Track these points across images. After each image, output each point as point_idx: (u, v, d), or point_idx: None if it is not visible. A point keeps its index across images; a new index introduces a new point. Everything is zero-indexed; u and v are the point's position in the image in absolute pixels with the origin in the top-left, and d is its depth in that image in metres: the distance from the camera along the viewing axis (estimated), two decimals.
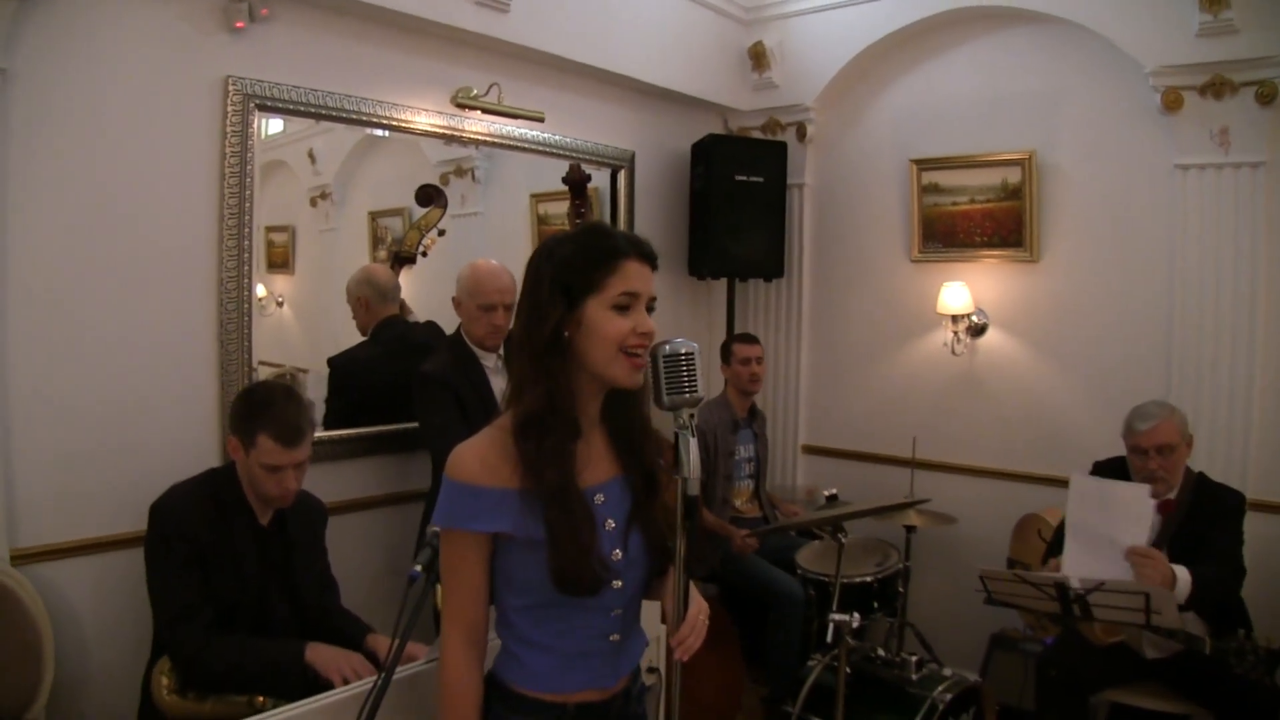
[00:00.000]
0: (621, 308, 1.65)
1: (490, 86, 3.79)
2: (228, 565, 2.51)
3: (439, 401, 3.27)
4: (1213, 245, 3.91)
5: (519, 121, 3.97)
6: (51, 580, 2.74)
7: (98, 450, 2.85)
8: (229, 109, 3.03)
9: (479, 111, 3.81)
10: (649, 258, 1.71)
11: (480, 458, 1.66)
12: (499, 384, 3.42)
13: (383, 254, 3.85)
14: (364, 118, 3.45)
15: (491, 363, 3.43)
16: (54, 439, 2.76)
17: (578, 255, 1.67)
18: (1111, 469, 3.57)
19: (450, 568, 1.71)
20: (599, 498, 1.73)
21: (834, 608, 3.29)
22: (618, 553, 1.73)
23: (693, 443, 1.66)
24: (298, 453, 2.55)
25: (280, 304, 3.59)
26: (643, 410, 1.79)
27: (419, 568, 1.95)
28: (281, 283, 3.58)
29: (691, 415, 1.67)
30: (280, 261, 3.56)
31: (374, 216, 3.90)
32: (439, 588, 2.33)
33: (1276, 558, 3.62)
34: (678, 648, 1.71)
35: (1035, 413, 4.50)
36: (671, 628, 1.72)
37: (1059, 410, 4.43)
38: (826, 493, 3.95)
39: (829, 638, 3.25)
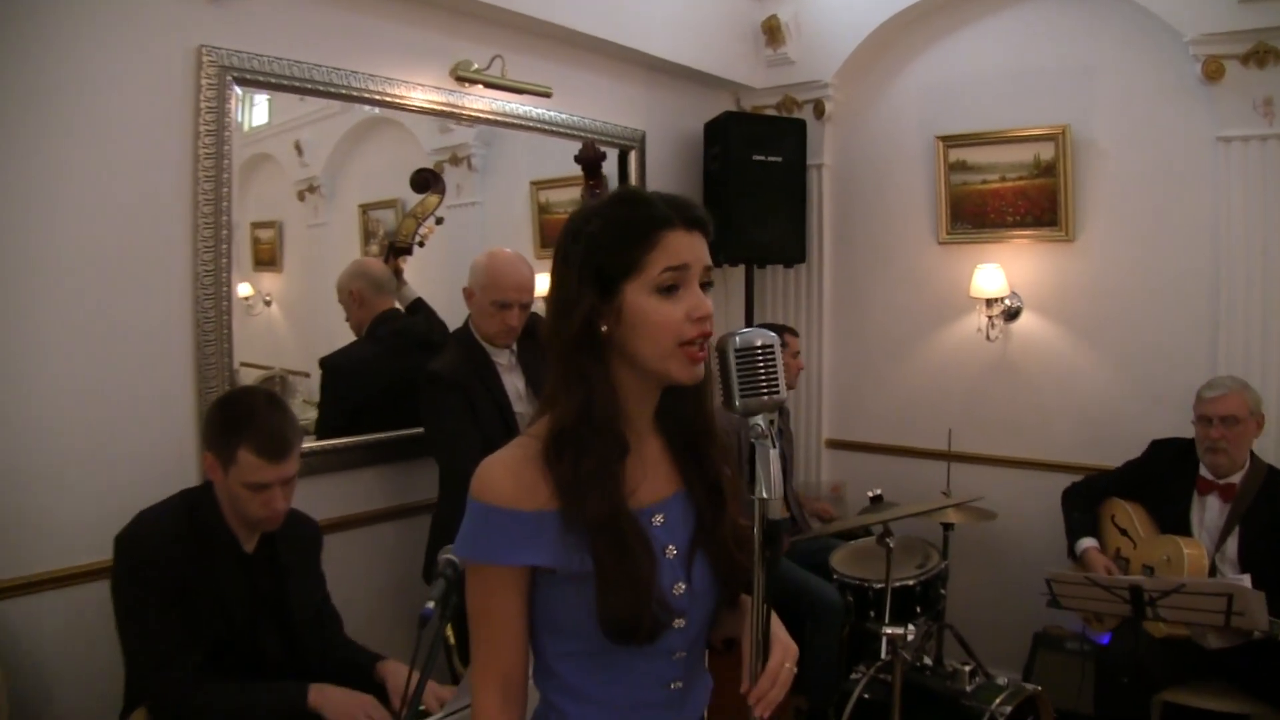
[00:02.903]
0: (668, 289, 1.36)
1: (493, 59, 3.50)
2: (210, 601, 2.21)
3: (449, 406, 3.00)
4: (1258, 220, 3.75)
5: (524, 98, 3.69)
6: (6, 619, 2.44)
7: (57, 471, 2.53)
8: (203, 82, 2.71)
9: (481, 86, 3.53)
10: (698, 223, 1.41)
11: (514, 474, 1.36)
12: (513, 382, 3.18)
13: (375, 248, 3.63)
14: (354, 93, 3.15)
15: (505, 359, 3.17)
16: (7, 458, 2.45)
17: (608, 231, 1.38)
18: (1170, 450, 3.60)
19: (480, 609, 1.41)
20: (658, 519, 1.45)
21: (886, 619, 3.04)
22: (680, 586, 1.44)
23: (773, 454, 1.36)
24: (285, 467, 2.26)
25: (268, 303, 3.37)
26: (706, 408, 1.51)
27: (432, 604, 1.71)
28: (269, 281, 3.36)
29: (771, 421, 1.38)
30: (267, 259, 3.34)
31: (365, 209, 3.68)
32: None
33: None
34: (757, 705, 1.42)
35: (1075, 399, 4.29)
36: (748, 679, 1.43)
37: (1099, 396, 4.23)
38: (871, 493, 3.72)
39: (883, 653, 3.00)
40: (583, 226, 1.41)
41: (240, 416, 2.24)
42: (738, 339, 1.37)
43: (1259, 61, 3.63)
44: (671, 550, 1.45)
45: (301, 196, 3.41)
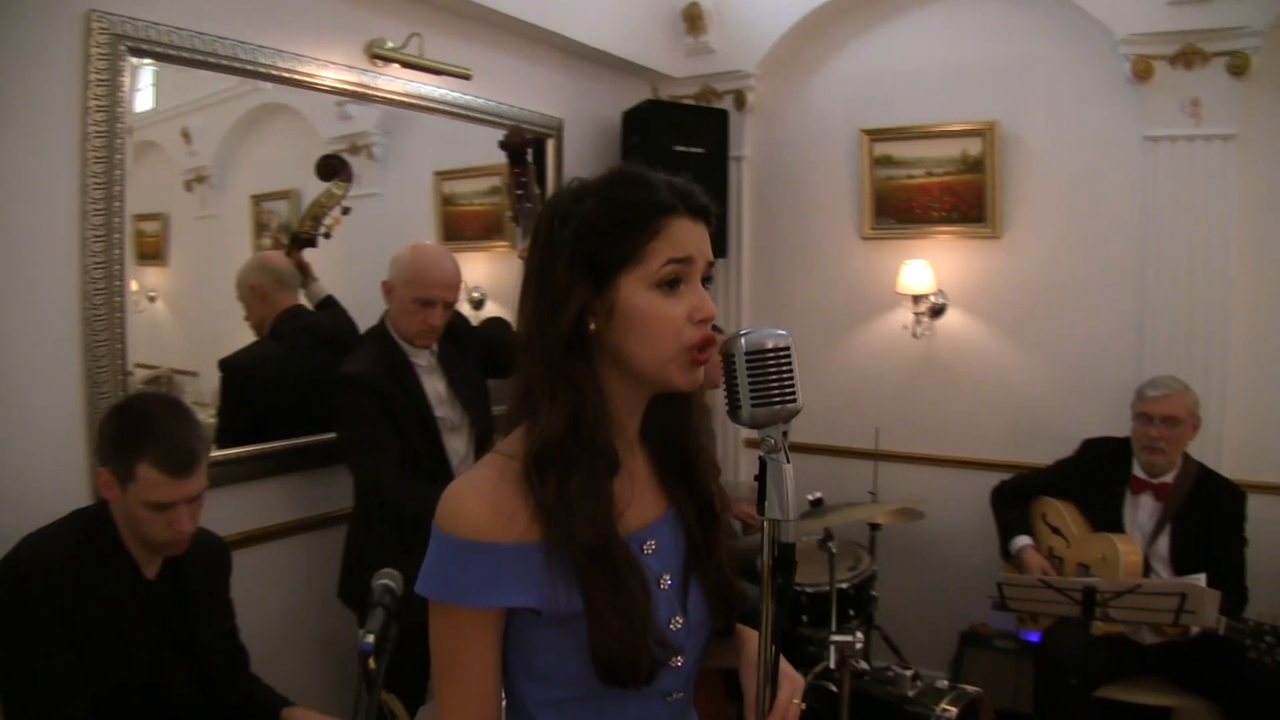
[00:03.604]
0: (669, 283, 1.20)
1: (410, 37, 3.26)
2: (107, 636, 1.95)
3: (365, 411, 2.77)
4: (1185, 220, 3.77)
5: (440, 80, 3.46)
6: None
7: None
8: (93, 52, 2.39)
9: (397, 66, 3.29)
10: (703, 211, 1.25)
11: (490, 501, 1.17)
12: (433, 384, 2.97)
13: (267, 241, 3.38)
14: (261, 70, 2.88)
15: (424, 360, 2.96)
16: None
17: (604, 213, 1.20)
18: (1103, 449, 3.60)
19: (447, 655, 1.21)
20: (649, 545, 1.28)
21: (833, 626, 2.93)
22: (678, 619, 1.28)
23: (788, 470, 1.21)
24: (191, 483, 2.01)
25: (152, 299, 3.09)
26: (695, 418, 1.35)
27: (370, 638, 1.59)
28: (154, 276, 3.09)
29: (785, 433, 1.22)
30: (152, 253, 3.07)
31: (257, 200, 3.43)
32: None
33: (1254, 536, 3.41)
34: None
35: (1002, 397, 4.27)
36: (755, 717, 1.28)
37: (1026, 394, 4.22)
38: (811, 496, 3.61)
39: (831, 662, 2.89)
40: (573, 207, 1.22)
41: (139, 427, 1.98)
42: (744, 340, 1.21)
43: (1187, 63, 3.65)
44: (666, 580, 1.29)
45: (189, 187, 3.16)
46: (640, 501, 1.29)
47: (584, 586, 1.17)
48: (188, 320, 3.17)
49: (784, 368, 1.20)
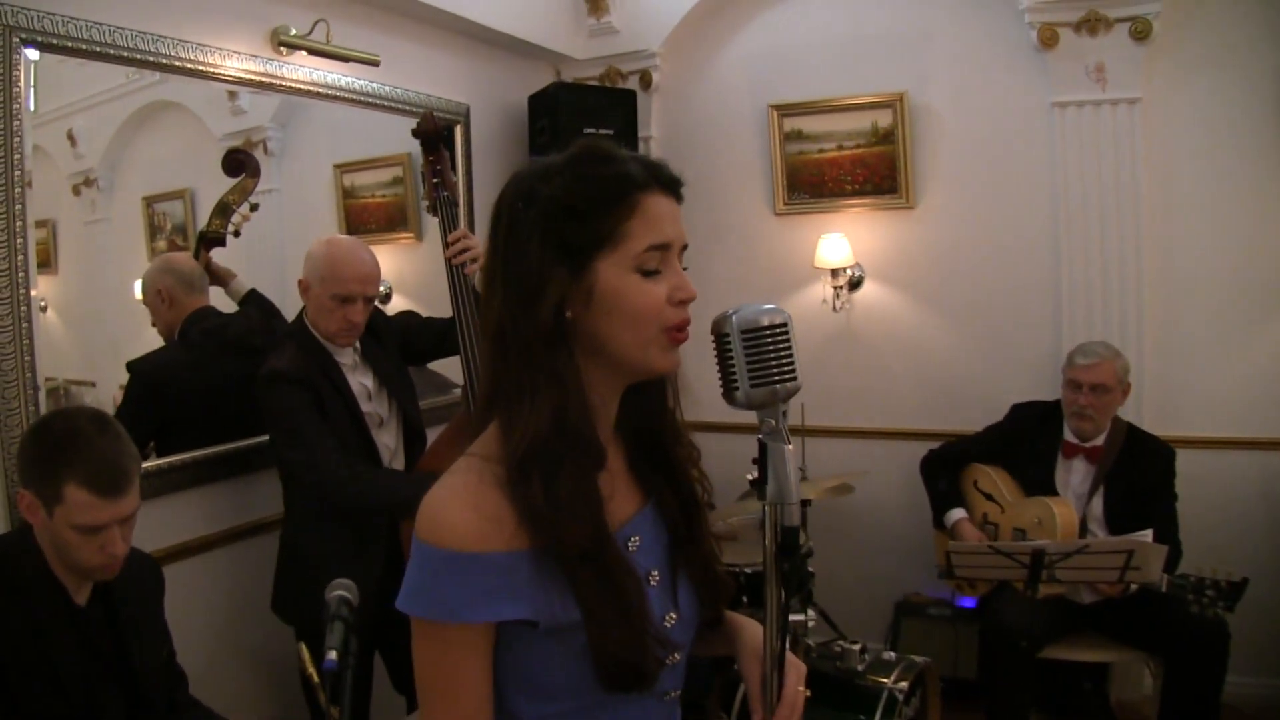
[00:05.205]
0: (649, 270, 1.15)
1: (315, 23, 3.14)
2: (37, 668, 1.82)
3: (298, 404, 2.62)
4: (1094, 183, 3.86)
5: (346, 68, 3.34)
6: None
7: None
8: None
9: (304, 53, 3.16)
10: (674, 185, 1.20)
11: (476, 508, 1.10)
12: (359, 381, 2.85)
13: (162, 244, 3.23)
14: (163, 60, 2.73)
15: (349, 359, 2.83)
16: None
17: (574, 192, 1.14)
18: (1033, 413, 3.63)
19: (437, 677, 1.13)
20: (634, 542, 1.22)
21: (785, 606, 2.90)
22: (671, 616, 1.23)
23: (787, 452, 1.17)
24: (123, 504, 1.89)
25: (44, 308, 2.94)
26: (670, 403, 1.31)
27: (333, 654, 1.53)
28: (44, 284, 2.96)
29: (785, 413, 1.19)
30: (41, 260, 2.91)
31: (149, 202, 3.28)
32: (304, 649, 1.77)
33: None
34: None
35: (924, 367, 4.31)
36: (763, 708, 1.24)
37: (948, 362, 4.26)
38: (751, 477, 3.57)
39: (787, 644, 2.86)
40: (538, 186, 1.15)
41: (63, 444, 1.85)
42: (735, 318, 1.18)
43: (1090, 29, 3.72)
44: (655, 576, 1.23)
45: (77, 191, 3.02)
46: (621, 495, 1.23)
47: (578, 592, 1.11)
48: (81, 329, 3.04)
49: (781, 345, 1.17)
